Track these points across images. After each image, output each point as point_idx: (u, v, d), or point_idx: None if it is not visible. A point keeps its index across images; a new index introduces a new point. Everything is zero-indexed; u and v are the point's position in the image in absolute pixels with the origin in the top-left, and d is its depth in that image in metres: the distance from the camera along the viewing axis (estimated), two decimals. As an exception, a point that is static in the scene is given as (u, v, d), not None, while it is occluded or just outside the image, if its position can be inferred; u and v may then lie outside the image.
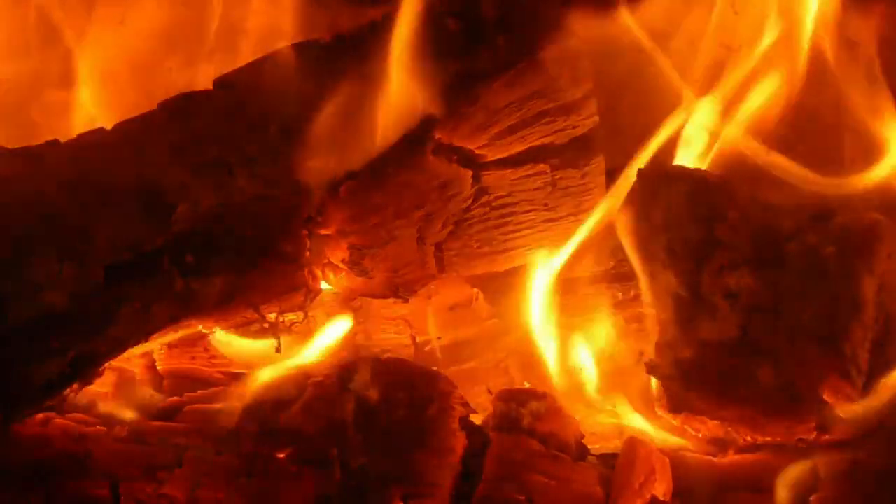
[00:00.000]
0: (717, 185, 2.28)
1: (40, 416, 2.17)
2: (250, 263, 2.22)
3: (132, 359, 2.33)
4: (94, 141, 2.23)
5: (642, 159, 2.40)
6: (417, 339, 2.49)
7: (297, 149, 2.26)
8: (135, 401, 2.32)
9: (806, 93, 2.49)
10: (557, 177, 2.43)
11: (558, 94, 2.40)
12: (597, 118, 2.44)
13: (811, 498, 2.13)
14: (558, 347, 2.41)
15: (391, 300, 2.38)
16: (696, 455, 2.23)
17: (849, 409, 2.13)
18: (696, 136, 2.50)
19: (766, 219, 2.24)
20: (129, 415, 2.29)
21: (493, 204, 2.41)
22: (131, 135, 2.24)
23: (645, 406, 2.31)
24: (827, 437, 2.16)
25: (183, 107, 2.27)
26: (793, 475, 2.15)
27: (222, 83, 2.33)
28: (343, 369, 2.23)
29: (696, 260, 2.21)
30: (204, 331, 2.34)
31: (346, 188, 2.31)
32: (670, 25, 2.56)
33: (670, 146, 2.47)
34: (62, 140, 2.24)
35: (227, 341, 2.40)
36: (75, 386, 2.13)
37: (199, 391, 2.35)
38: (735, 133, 2.46)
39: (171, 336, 2.28)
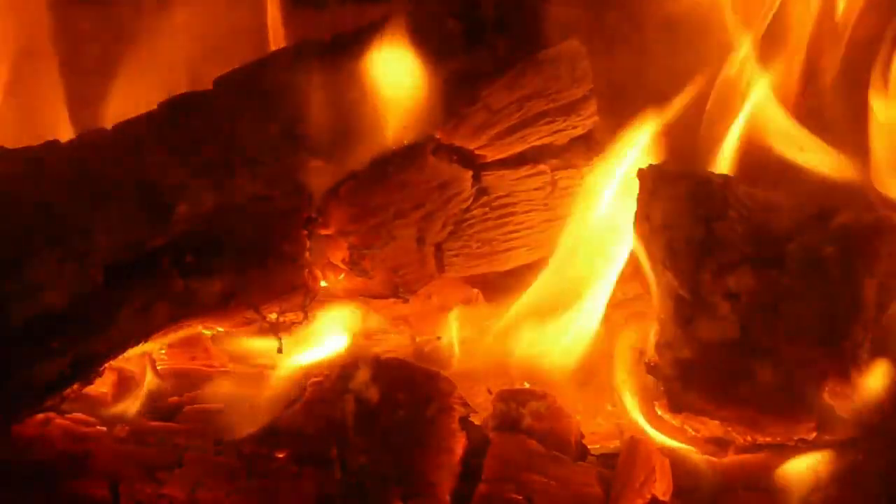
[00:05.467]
0: (717, 184, 2.28)
1: (40, 416, 2.17)
2: (250, 263, 2.22)
3: (132, 359, 2.33)
4: (94, 141, 2.23)
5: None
6: (417, 339, 2.49)
7: (297, 149, 2.27)
8: (135, 401, 2.32)
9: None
10: (557, 177, 2.44)
11: (558, 94, 2.40)
12: (597, 118, 2.44)
13: (811, 498, 2.13)
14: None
15: (391, 300, 2.38)
16: (696, 455, 2.23)
17: (849, 409, 2.13)
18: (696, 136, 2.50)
19: (766, 219, 2.24)
20: (129, 415, 2.29)
21: (493, 204, 2.41)
22: (131, 135, 2.24)
23: (646, 406, 2.31)
24: (827, 437, 2.16)
25: (183, 107, 2.27)
26: (793, 475, 2.15)
27: (222, 83, 2.33)
28: (343, 369, 2.24)
29: (696, 260, 2.21)
30: (204, 331, 2.34)
31: (346, 188, 2.31)
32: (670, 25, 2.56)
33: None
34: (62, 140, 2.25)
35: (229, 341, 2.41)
36: (75, 386, 2.12)
37: (199, 391, 2.35)
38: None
39: (171, 336, 2.28)
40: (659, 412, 2.24)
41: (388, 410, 2.18)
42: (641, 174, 2.31)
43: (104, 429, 2.21)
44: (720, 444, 2.24)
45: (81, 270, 2.07)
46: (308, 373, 2.29)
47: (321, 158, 2.28)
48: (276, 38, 2.65)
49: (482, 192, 2.40)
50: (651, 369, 2.25)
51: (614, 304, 2.45)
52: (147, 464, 2.13)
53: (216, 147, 2.23)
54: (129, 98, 2.53)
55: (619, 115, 2.53)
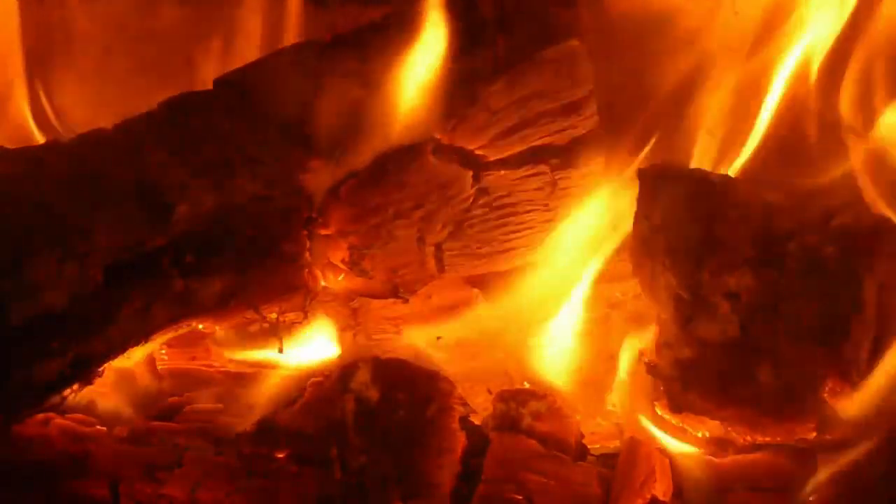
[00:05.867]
0: (717, 184, 2.28)
1: (40, 416, 2.17)
2: (250, 263, 2.22)
3: (132, 359, 2.33)
4: (94, 141, 2.23)
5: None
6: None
7: (298, 149, 2.27)
8: (135, 401, 2.32)
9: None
10: (557, 177, 2.43)
11: (558, 94, 2.40)
12: (597, 118, 2.44)
13: (811, 498, 2.13)
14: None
15: (391, 300, 2.38)
16: (696, 455, 2.23)
17: (849, 410, 2.13)
18: (696, 137, 2.50)
19: (766, 219, 2.24)
20: (129, 415, 2.29)
21: (494, 204, 2.41)
22: (131, 135, 2.24)
23: (646, 406, 2.31)
24: (827, 437, 2.16)
25: (183, 106, 2.27)
26: (792, 475, 2.15)
27: (222, 83, 2.33)
28: (343, 369, 2.24)
29: (696, 260, 2.21)
30: (204, 331, 2.35)
31: (347, 188, 2.31)
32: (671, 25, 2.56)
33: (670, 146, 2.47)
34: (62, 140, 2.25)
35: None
36: (75, 386, 2.12)
37: (199, 391, 2.35)
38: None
39: (171, 336, 2.28)
40: (659, 412, 2.24)
41: (388, 410, 2.18)
42: (641, 174, 2.32)
43: (104, 429, 2.21)
44: (720, 444, 2.24)
45: (81, 270, 2.07)
46: (308, 373, 2.29)
47: (321, 158, 2.28)
48: (277, 38, 2.65)
49: (482, 192, 2.40)
50: (651, 369, 2.25)
51: (614, 304, 2.45)
52: (147, 464, 2.13)
53: (216, 147, 2.23)
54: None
55: (618, 115, 2.53)
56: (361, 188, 2.31)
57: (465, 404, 2.23)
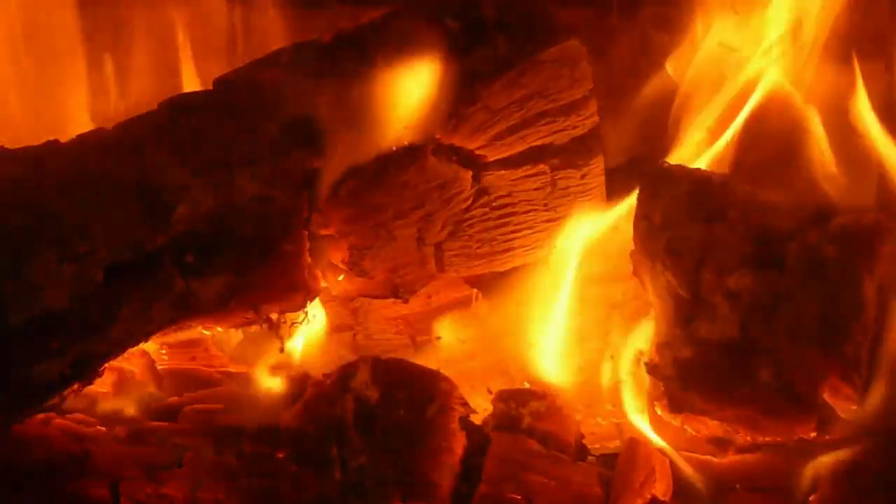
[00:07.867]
0: (717, 185, 2.28)
1: (40, 416, 2.17)
2: (250, 263, 2.22)
3: (132, 359, 2.33)
4: (94, 141, 2.23)
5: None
6: (417, 339, 2.49)
7: (297, 149, 2.26)
8: (135, 401, 2.32)
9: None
10: (557, 177, 2.44)
11: (558, 94, 2.41)
12: (597, 118, 2.45)
13: (811, 498, 2.13)
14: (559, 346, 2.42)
15: (391, 300, 2.38)
16: (696, 455, 2.23)
17: (849, 409, 2.13)
18: (696, 136, 2.50)
19: (766, 219, 2.24)
20: (129, 415, 2.29)
21: (493, 204, 2.41)
22: (131, 135, 2.23)
23: (646, 406, 2.32)
24: (827, 437, 2.16)
25: (183, 107, 2.27)
26: (793, 475, 2.15)
27: (222, 83, 2.33)
28: (343, 369, 2.24)
29: (696, 260, 2.21)
30: (204, 331, 2.34)
31: (347, 189, 2.31)
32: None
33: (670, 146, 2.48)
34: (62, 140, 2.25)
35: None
36: (75, 386, 2.12)
37: (199, 391, 2.35)
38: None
39: (171, 336, 2.28)
40: (659, 412, 2.24)
41: (388, 410, 2.18)
42: (641, 174, 2.32)
43: (104, 429, 2.21)
44: (720, 444, 2.24)
45: (81, 270, 2.07)
46: (308, 373, 2.29)
47: (321, 158, 2.28)
48: (277, 38, 2.65)
49: (482, 192, 2.40)
50: (651, 369, 2.25)
51: (614, 304, 2.45)
52: (147, 464, 2.13)
53: (216, 147, 2.23)
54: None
55: (618, 115, 2.54)
56: (361, 188, 2.31)
57: (465, 404, 2.23)
